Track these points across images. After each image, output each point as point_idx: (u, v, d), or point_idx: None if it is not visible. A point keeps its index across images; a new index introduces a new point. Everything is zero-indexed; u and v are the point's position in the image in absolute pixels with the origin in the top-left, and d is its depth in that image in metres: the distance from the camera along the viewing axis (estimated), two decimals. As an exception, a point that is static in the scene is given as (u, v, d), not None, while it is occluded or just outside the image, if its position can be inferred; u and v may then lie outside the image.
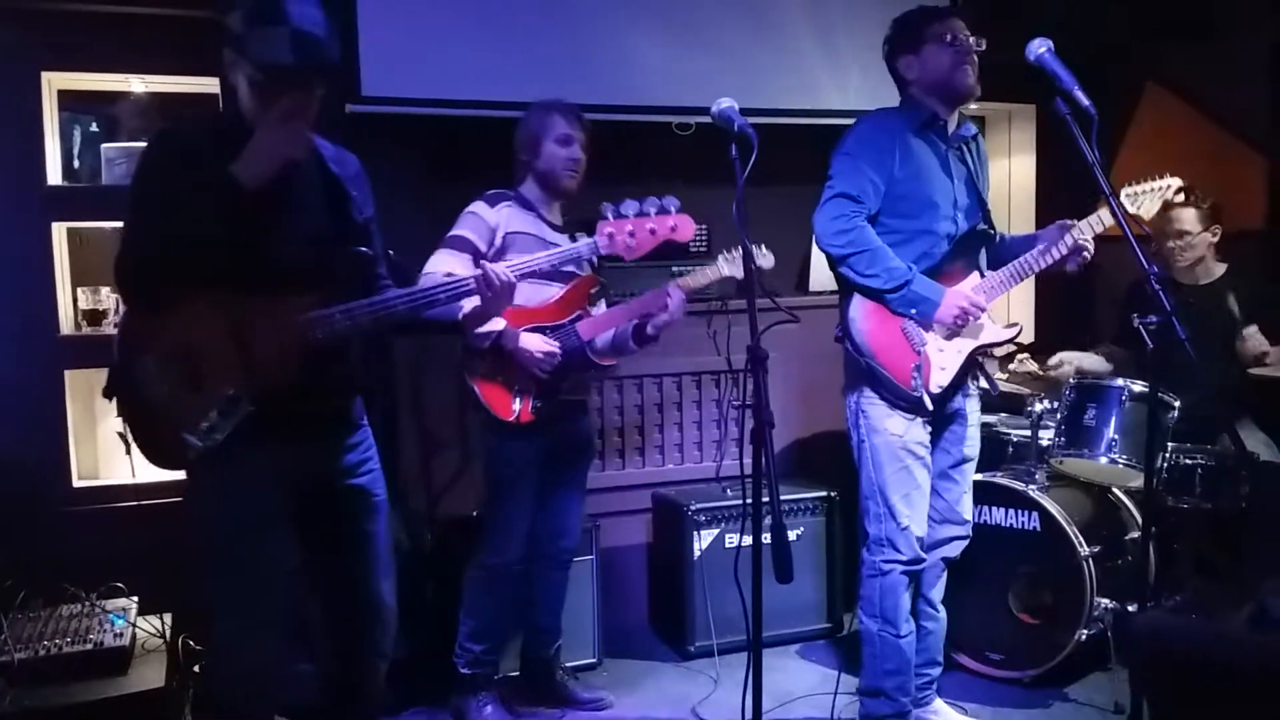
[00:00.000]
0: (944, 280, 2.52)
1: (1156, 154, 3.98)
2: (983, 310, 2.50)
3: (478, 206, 2.72)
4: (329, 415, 2.02)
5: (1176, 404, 2.99)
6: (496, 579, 2.78)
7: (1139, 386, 2.95)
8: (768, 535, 3.10)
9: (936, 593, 2.70)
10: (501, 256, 2.62)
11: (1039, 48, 2.12)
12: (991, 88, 2.61)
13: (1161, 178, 2.56)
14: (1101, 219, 2.45)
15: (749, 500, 1.86)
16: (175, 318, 1.81)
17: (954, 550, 2.69)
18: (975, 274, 2.58)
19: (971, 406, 2.68)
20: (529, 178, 2.79)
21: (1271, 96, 3.73)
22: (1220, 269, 3.38)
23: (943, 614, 2.71)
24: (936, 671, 2.74)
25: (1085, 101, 1.98)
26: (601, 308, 2.93)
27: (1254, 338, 3.20)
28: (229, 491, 1.90)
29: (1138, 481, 3.06)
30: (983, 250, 2.64)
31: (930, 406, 2.49)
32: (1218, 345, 3.23)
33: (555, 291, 2.76)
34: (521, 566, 2.82)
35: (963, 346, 2.53)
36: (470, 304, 2.08)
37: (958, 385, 2.56)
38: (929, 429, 2.57)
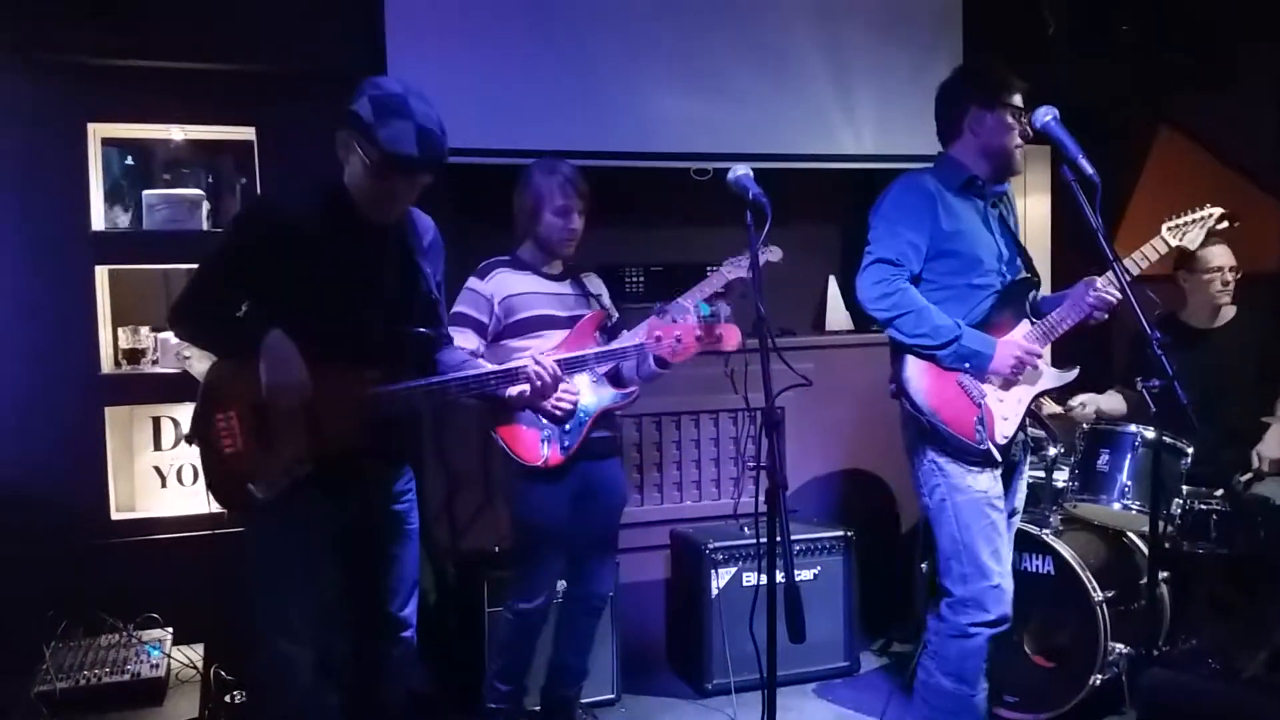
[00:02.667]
0: (994, 331, 2.51)
1: (1169, 197, 3.98)
2: (1039, 356, 2.49)
3: (471, 282, 2.80)
4: (384, 471, 2.18)
5: (1189, 450, 3.01)
6: (527, 623, 2.83)
7: (1151, 433, 2.98)
8: (799, 572, 3.15)
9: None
10: (509, 319, 2.73)
11: (1045, 115, 2.17)
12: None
13: (1201, 208, 2.56)
14: (1123, 274, 2.38)
15: (763, 545, 1.90)
16: (257, 378, 1.96)
17: None
18: (1025, 322, 2.55)
19: (1026, 459, 2.69)
20: (528, 240, 2.85)
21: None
22: (1232, 311, 3.40)
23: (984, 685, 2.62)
24: None
25: (1089, 170, 2.03)
26: (622, 338, 2.93)
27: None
28: (285, 534, 2.05)
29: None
30: (1028, 298, 2.61)
31: (999, 458, 2.46)
32: (1231, 388, 3.26)
33: (558, 336, 2.79)
34: (549, 609, 2.88)
35: (1023, 395, 2.51)
36: (517, 389, 2.18)
37: (1021, 433, 2.55)
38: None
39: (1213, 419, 3.20)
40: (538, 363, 2.13)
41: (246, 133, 3.30)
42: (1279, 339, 3.39)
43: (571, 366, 2.24)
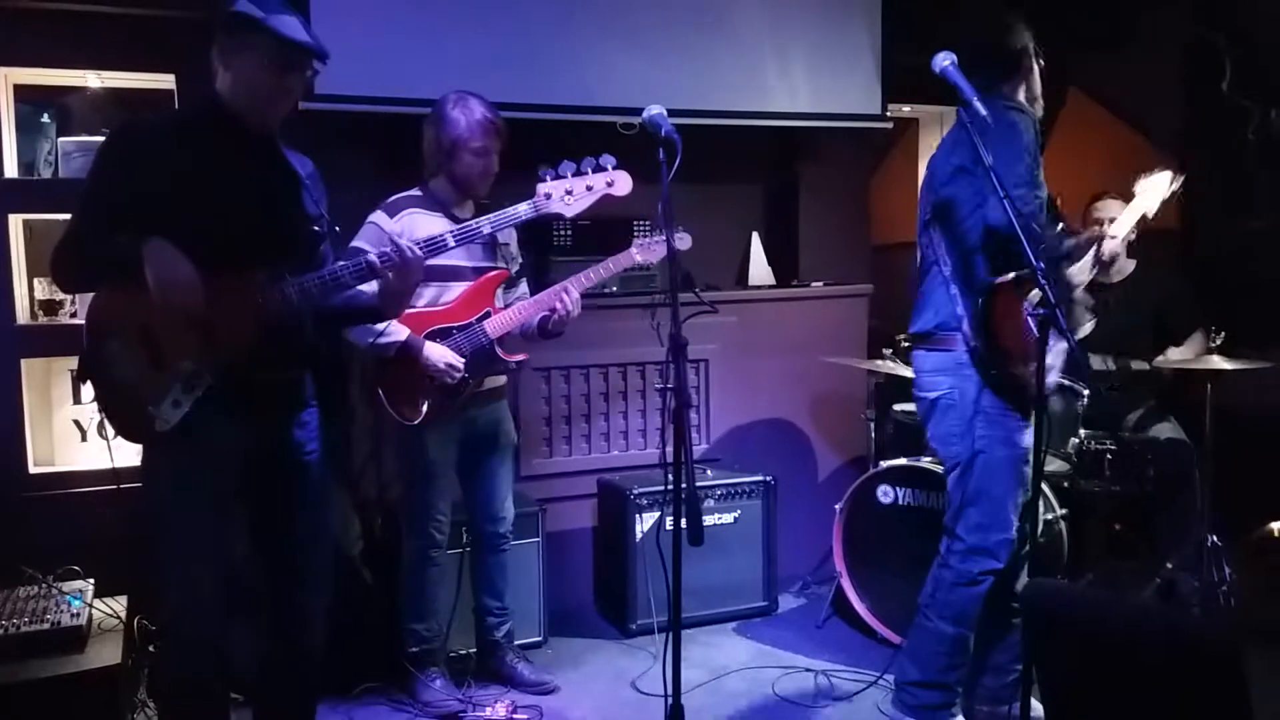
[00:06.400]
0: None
1: (1077, 157, 4.21)
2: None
3: (377, 216, 2.77)
4: (283, 387, 2.14)
5: (1085, 393, 3.18)
6: (424, 563, 2.90)
7: (1054, 377, 3.14)
8: (720, 515, 3.39)
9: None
10: None
11: (943, 60, 2.26)
12: (924, 90, 2.76)
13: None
14: (1013, 209, 2.30)
15: (671, 473, 1.99)
16: (137, 299, 1.91)
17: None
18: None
19: None
20: (441, 176, 2.83)
21: (1182, 104, 3.97)
22: (1130, 265, 3.58)
23: None
24: None
25: (983, 111, 2.13)
26: (522, 288, 3.00)
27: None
28: (187, 464, 2.02)
29: (1053, 465, 3.26)
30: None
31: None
32: (1127, 339, 3.44)
33: (461, 289, 2.81)
34: (447, 549, 2.95)
35: (1063, 343, 2.39)
36: (379, 281, 2.13)
37: None
38: None
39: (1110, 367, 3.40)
40: (394, 247, 2.06)
41: (166, 81, 3.25)
42: (1174, 293, 3.60)
43: (433, 248, 2.15)
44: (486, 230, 2.31)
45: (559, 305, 2.82)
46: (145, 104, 3.33)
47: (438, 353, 2.73)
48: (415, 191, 2.84)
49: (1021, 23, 2.60)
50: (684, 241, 2.93)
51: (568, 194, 2.25)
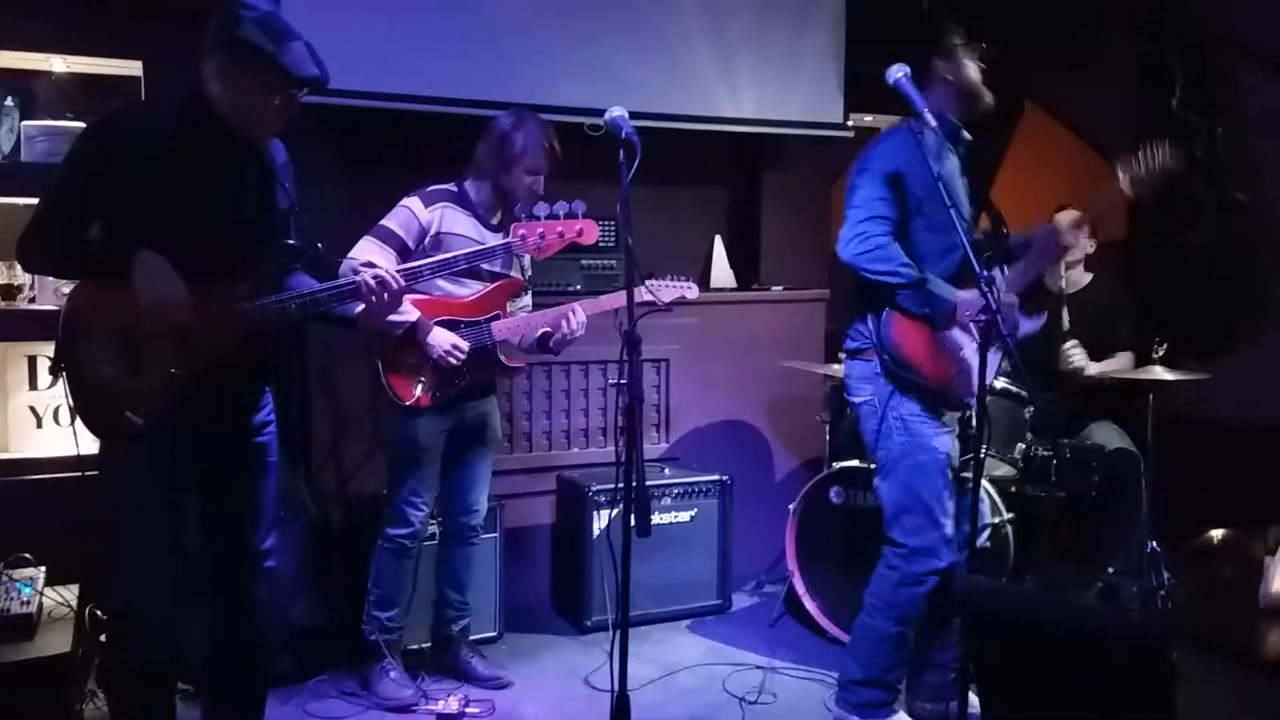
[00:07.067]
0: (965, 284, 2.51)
1: (1032, 170, 4.31)
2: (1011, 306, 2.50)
3: (412, 202, 2.84)
4: (248, 386, 2.17)
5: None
6: (400, 550, 2.93)
7: (1001, 383, 3.23)
8: (676, 514, 3.48)
9: None
10: (435, 253, 2.71)
11: (896, 73, 2.32)
12: (886, 101, 2.80)
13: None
14: (961, 220, 2.39)
15: (622, 466, 2.05)
16: (118, 300, 1.91)
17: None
18: (995, 273, 2.54)
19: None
20: (486, 182, 2.89)
21: (1133, 119, 4.07)
22: (1086, 279, 3.68)
23: None
24: None
25: (933, 123, 2.20)
26: (525, 300, 3.07)
27: (1072, 352, 3.47)
28: (148, 457, 2.02)
29: (1000, 470, 3.34)
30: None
31: (972, 406, 2.46)
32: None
33: (477, 288, 2.89)
34: (424, 539, 2.98)
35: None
36: (360, 306, 2.20)
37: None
38: None
39: (1058, 376, 3.49)
40: (376, 277, 2.12)
41: (133, 67, 3.23)
42: (1124, 304, 3.70)
43: (413, 277, 2.26)
44: (462, 265, 2.48)
45: (564, 325, 2.88)
46: (112, 90, 3.31)
47: (443, 335, 2.79)
48: (451, 187, 2.91)
49: (952, 27, 2.60)
50: (691, 291, 3.06)
51: (540, 238, 2.38)
